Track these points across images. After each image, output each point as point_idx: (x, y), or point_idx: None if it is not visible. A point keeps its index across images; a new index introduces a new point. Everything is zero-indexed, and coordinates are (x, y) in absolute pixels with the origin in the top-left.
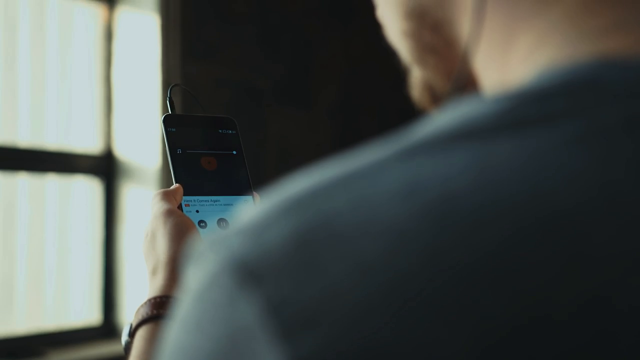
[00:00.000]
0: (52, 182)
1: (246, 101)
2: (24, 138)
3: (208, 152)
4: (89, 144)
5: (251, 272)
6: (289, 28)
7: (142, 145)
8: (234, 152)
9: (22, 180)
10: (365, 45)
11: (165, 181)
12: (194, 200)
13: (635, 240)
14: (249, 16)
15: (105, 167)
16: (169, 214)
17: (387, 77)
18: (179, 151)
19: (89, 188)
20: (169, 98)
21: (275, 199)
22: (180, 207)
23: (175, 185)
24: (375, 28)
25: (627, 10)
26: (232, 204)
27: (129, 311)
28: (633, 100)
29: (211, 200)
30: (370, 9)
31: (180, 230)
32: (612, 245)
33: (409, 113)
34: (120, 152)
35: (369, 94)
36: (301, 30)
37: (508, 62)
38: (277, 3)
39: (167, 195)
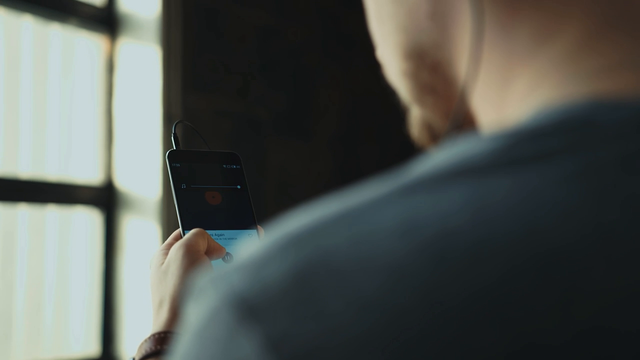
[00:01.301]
0: (52, 213)
1: (247, 132)
2: (25, 169)
3: (212, 187)
4: (90, 175)
5: (250, 308)
6: (290, 59)
7: (143, 176)
8: (238, 187)
9: (22, 211)
10: (366, 76)
11: (166, 213)
12: None
13: (630, 277)
14: (250, 48)
15: (105, 198)
16: (189, 250)
17: (387, 108)
18: (184, 186)
19: (89, 219)
20: (174, 134)
21: (274, 235)
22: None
23: (196, 232)
24: (375, 60)
25: (621, 52)
26: (236, 238)
27: (128, 343)
28: (627, 140)
29: (216, 234)
30: (370, 41)
31: (195, 269)
32: (607, 281)
33: (409, 144)
34: (121, 183)
35: (369, 125)
36: (301, 62)
37: (505, 101)
38: (277, 35)
39: (202, 234)
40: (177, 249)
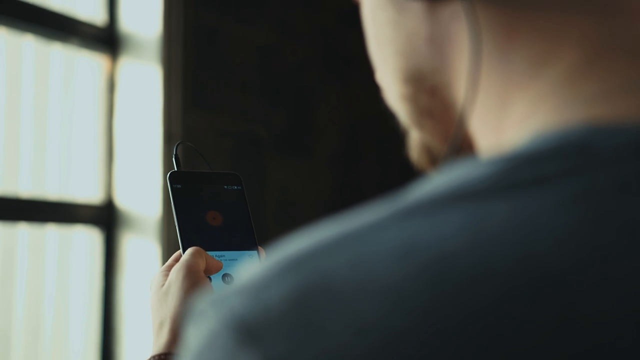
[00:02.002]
0: (52, 232)
1: (247, 150)
2: (25, 188)
3: (213, 208)
4: (90, 194)
5: (250, 331)
6: (290, 78)
7: (143, 195)
8: (239, 208)
9: (22, 230)
10: (366, 94)
11: (166, 232)
12: None
13: (627, 301)
14: (250, 67)
15: (105, 217)
16: (189, 271)
17: (387, 127)
18: (185, 207)
19: (89, 238)
20: (175, 155)
21: (274, 258)
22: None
23: (193, 251)
24: (375, 79)
25: (619, 76)
26: (237, 259)
27: None
28: (625, 164)
29: (216, 256)
30: (370, 60)
31: (196, 290)
32: (604, 305)
33: (409, 162)
34: (121, 202)
35: (369, 143)
36: (302, 81)
37: (503, 125)
38: (278, 54)
39: (200, 253)
40: (177, 271)
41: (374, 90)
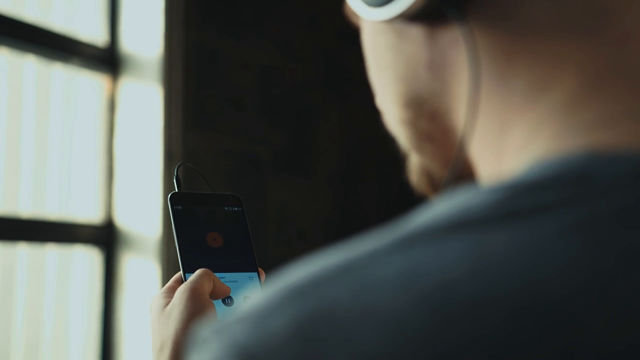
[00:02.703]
0: (51, 252)
1: (247, 170)
2: (25, 208)
3: (214, 229)
4: (90, 214)
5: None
6: (290, 98)
7: (143, 215)
8: (240, 229)
9: (22, 250)
10: (366, 115)
11: (166, 252)
12: None
13: (629, 329)
14: (251, 87)
15: (105, 237)
16: (194, 293)
17: (387, 147)
18: (185, 228)
19: (88, 258)
20: (176, 176)
21: (277, 286)
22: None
23: (201, 273)
24: (374, 100)
25: (617, 103)
26: (237, 281)
27: None
28: (622, 192)
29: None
30: (370, 82)
31: (199, 313)
32: (606, 333)
33: (409, 182)
34: (121, 222)
35: (369, 163)
36: (302, 101)
37: (503, 150)
38: (278, 74)
39: (208, 275)
40: (182, 292)
41: (375, 110)
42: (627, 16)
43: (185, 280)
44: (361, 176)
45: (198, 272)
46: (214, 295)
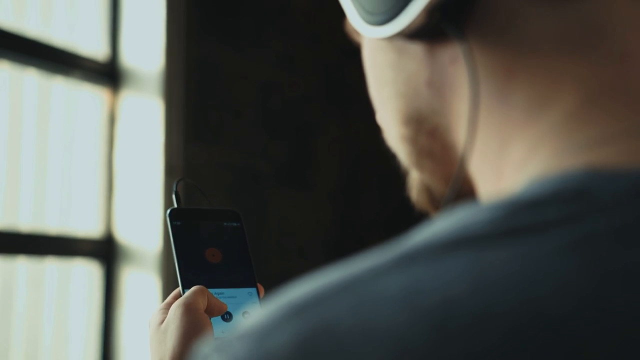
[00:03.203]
0: (51, 265)
1: (248, 184)
2: (25, 221)
3: (213, 245)
4: (90, 228)
5: None
6: (291, 112)
7: (143, 229)
8: (238, 245)
9: (21, 264)
10: (366, 129)
11: (166, 266)
12: None
13: (627, 346)
14: (252, 100)
15: (105, 251)
16: (188, 309)
17: (387, 160)
18: (184, 244)
19: (88, 272)
20: (175, 192)
21: (277, 303)
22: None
23: (195, 290)
24: (374, 113)
25: (616, 121)
26: (236, 297)
27: None
28: (622, 210)
29: (216, 293)
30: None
31: (194, 328)
32: (605, 350)
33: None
34: (121, 235)
35: (369, 176)
36: (302, 114)
37: (503, 167)
38: (279, 87)
39: (202, 292)
40: (175, 308)
41: (375, 124)
42: (626, 34)
43: None
44: (361, 189)
45: (193, 288)
46: (209, 312)
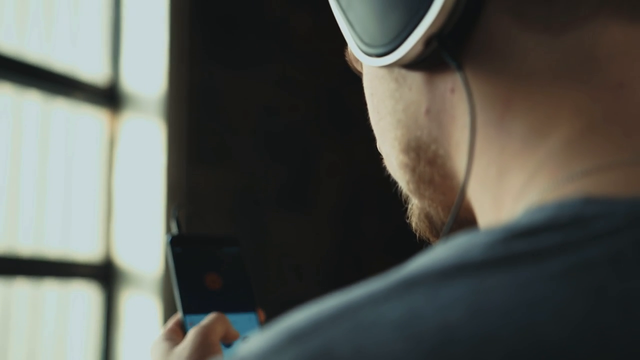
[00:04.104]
0: (50, 289)
1: (248, 207)
2: (25, 244)
3: (212, 270)
4: (89, 251)
5: None
6: (291, 135)
7: (143, 252)
8: (238, 270)
9: (21, 287)
10: (366, 151)
11: (166, 289)
12: (199, 319)
13: None
14: (253, 123)
15: (105, 274)
16: (206, 338)
17: (387, 183)
18: (184, 270)
19: (88, 295)
20: (176, 218)
21: (276, 329)
22: (183, 326)
23: (215, 317)
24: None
25: (613, 149)
26: (237, 322)
27: None
28: (617, 238)
29: None
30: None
31: (209, 357)
32: None
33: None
34: (121, 259)
35: (370, 199)
36: (303, 137)
37: (501, 194)
38: (280, 110)
39: (222, 321)
40: (194, 336)
41: (375, 147)
42: (621, 63)
43: (186, 323)
44: (362, 213)
45: (212, 316)
46: (224, 340)
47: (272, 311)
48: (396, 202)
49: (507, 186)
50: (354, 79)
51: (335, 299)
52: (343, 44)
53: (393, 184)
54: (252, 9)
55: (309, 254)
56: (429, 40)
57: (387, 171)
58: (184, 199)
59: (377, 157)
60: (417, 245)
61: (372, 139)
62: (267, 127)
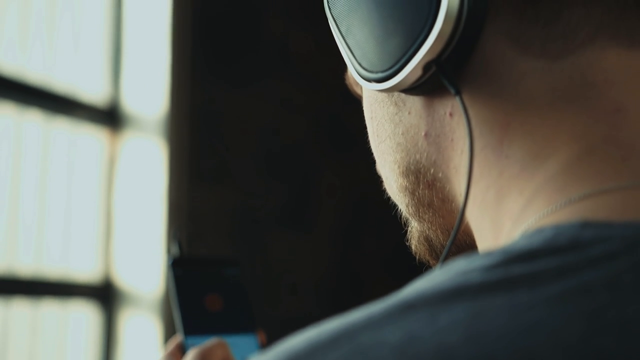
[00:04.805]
0: (50, 309)
1: (249, 226)
2: (25, 264)
3: (213, 292)
4: (89, 271)
5: None
6: (292, 154)
7: (143, 272)
8: (238, 291)
9: (20, 307)
10: (367, 171)
11: (165, 310)
12: (200, 341)
13: None
14: (252, 142)
15: (104, 295)
16: None
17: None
18: (185, 292)
19: (87, 316)
20: (177, 240)
21: (275, 352)
22: (184, 348)
23: (215, 342)
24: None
25: (610, 174)
26: (237, 343)
27: None
28: (614, 262)
29: None
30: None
31: None
32: None
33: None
34: (120, 279)
35: (370, 218)
36: (303, 157)
37: (500, 217)
38: (281, 129)
39: (222, 347)
40: (193, 359)
41: (375, 168)
42: (618, 89)
43: (186, 345)
44: (361, 233)
45: (212, 340)
46: None
47: (272, 330)
48: (395, 222)
49: (506, 209)
50: (354, 100)
51: (334, 322)
52: (343, 64)
53: (392, 205)
54: (252, 30)
55: (308, 273)
56: (428, 65)
57: (387, 192)
58: (184, 219)
59: (377, 177)
60: (416, 265)
61: (372, 159)
62: (268, 147)
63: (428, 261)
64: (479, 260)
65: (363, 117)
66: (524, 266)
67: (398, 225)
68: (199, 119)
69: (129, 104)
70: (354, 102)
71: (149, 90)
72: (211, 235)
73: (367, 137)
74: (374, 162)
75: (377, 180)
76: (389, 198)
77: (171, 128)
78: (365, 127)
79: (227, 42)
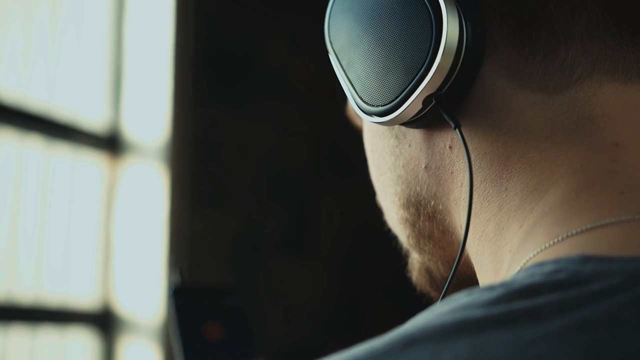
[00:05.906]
0: (48, 336)
1: (249, 253)
2: (23, 292)
3: (213, 321)
4: (88, 298)
5: None
6: (292, 181)
7: (143, 299)
8: (239, 319)
9: (18, 335)
10: (367, 197)
11: (165, 337)
12: None
13: None
14: (253, 168)
15: (104, 322)
16: None
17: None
18: (185, 321)
19: (86, 343)
20: (179, 269)
21: None
22: None
23: None
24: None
25: (609, 208)
26: None
27: None
28: (615, 297)
29: None
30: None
31: None
32: None
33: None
34: (120, 305)
35: (369, 246)
36: (303, 183)
37: (500, 253)
38: (281, 155)
39: None
40: None
41: (375, 194)
42: (615, 123)
43: None
44: (362, 259)
45: None
46: None
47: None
48: (394, 249)
49: (505, 242)
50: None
51: (335, 357)
52: (343, 93)
53: (393, 235)
54: (253, 57)
55: (308, 299)
56: (428, 99)
57: (387, 223)
58: (185, 245)
59: (377, 204)
60: (415, 292)
61: (371, 186)
62: (268, 173)
63: (429, 292)
64: (480, 295)
65: (363, 143)
66: (525, 301)
67: (397, 252)
68: (200, 145)
69: (130, 130)
70: (354, 129)
71: (149, 116)
72: (211, 262)
73: (366, 163)
74: (373, 189)
75: (377, 207)
76: (389, 229)
77: (172, 154)
78: (365, 154)
79: (228, 69)
